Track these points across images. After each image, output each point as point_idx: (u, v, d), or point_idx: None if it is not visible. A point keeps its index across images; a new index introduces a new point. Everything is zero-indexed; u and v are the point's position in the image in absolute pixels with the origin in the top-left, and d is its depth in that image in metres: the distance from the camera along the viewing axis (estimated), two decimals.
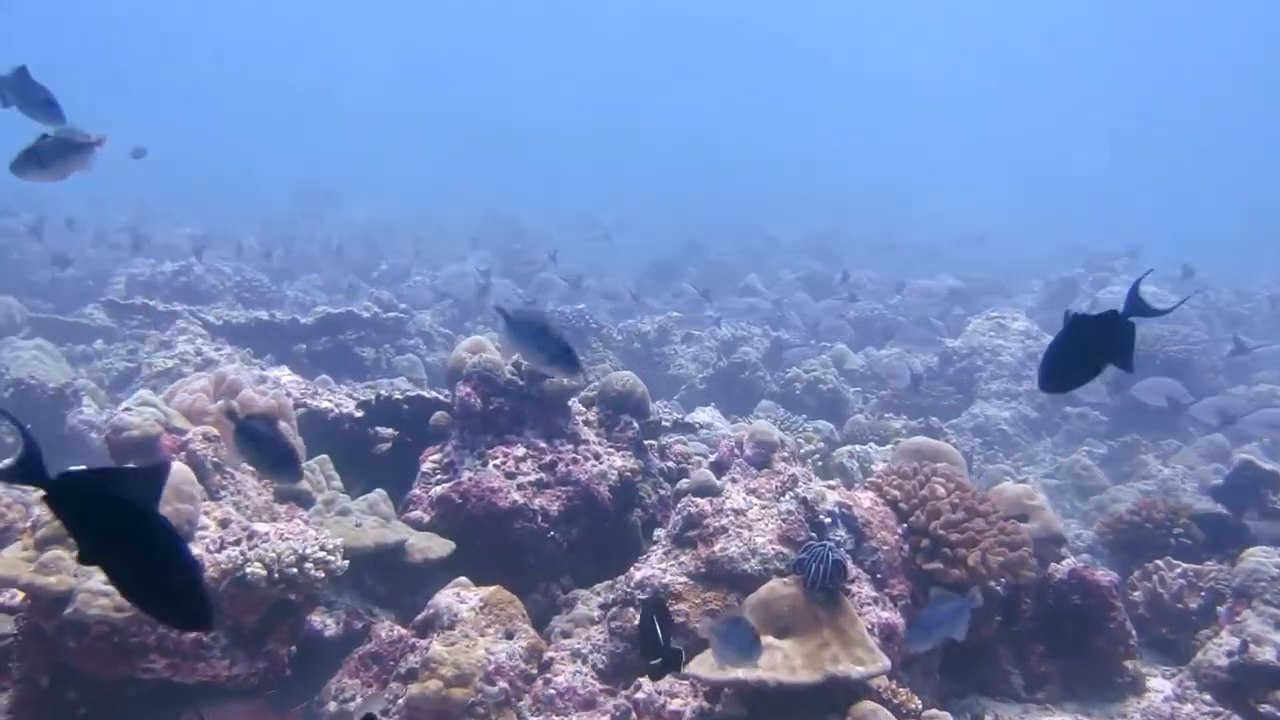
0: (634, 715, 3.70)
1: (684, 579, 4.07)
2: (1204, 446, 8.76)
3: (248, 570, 3.44)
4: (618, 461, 5.05)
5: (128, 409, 4.26)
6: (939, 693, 4.34)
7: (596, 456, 5.04)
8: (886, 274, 15.18)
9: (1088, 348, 2.51)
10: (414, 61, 55.84)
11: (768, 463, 4.62)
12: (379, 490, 4.70)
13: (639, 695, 3.72)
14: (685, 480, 4.84)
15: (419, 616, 4.11)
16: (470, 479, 4.74)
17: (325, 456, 4.79)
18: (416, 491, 4.90)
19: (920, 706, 3.67)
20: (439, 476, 4.91)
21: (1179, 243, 21.82)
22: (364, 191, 27.31)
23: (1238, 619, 4.49)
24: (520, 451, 4.91)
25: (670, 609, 3.90)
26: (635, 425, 5.29)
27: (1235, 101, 48.88)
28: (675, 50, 57.03)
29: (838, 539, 4.13)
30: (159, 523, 1.62)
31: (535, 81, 57.30)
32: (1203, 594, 5.06)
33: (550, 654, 4.02)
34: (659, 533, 4.49)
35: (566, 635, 4.24)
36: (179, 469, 3.80)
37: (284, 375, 5.97)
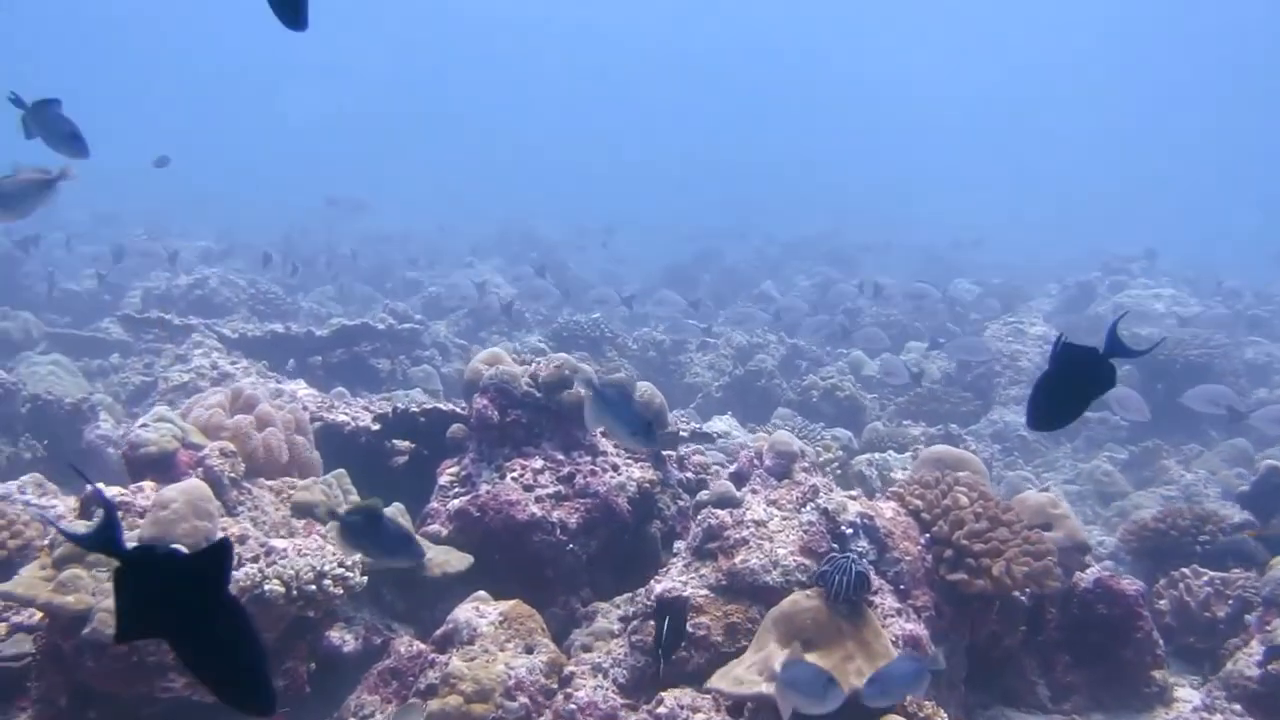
0: None
1: (705, 591, 4.03)
2: (1226, 451, 8.68)
3: (266, 588, 3.41)
4: (636, 473, 5.01)
5: (144, 425, 4.25)
6: (964, 704, 4.29)
7: (615, 468, 5.00)
8: (902, 279, 15.13)
9: (1073, 388, 2.56)
10: (426, 70, 56.10)
11: (788, 473, 4.57)
12: (396, 504, 4.67)
13: (661, 710, 3.67)
14: (705, 491, 4.80)
15: (438, 631, 4.07)
16: (488, 492, 4.71)
17: (342, 471, 4.77)
18: (434, 505, 4.87)
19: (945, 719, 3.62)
20: (456, 490, 4.88)
21: (1196, 244, 21.71)
22: (384, 202, 27.41)
23: (1268, 628, 4.43)
24: (538, 464, 4.88)
25: (691, 621, 3.87)
26: None
27: (1247, 100, 48.70)
28: (676, 52, 57.20)
29: (860, 550, 4.08)
30: (233, 604, 1.62)
31: (540, 88, 57.46)
32: (1231, 602, 5.00)
33: (570, 668, 3.98)
34: (679, 545, 4.45)
35: (587, 649, 4.20)
36: (196, 485, 3.78)
37: (300, 388, 5.96)
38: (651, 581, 4.23)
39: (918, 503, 4.46)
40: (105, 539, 1.60)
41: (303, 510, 4.45)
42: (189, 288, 11.81)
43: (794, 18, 57.18)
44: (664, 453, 5.36)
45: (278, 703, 1.73)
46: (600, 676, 3.94)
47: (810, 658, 3.48)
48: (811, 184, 37.75)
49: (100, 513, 1.58)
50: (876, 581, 3.99)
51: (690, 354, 11.37)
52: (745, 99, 55.46)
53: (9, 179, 3.65)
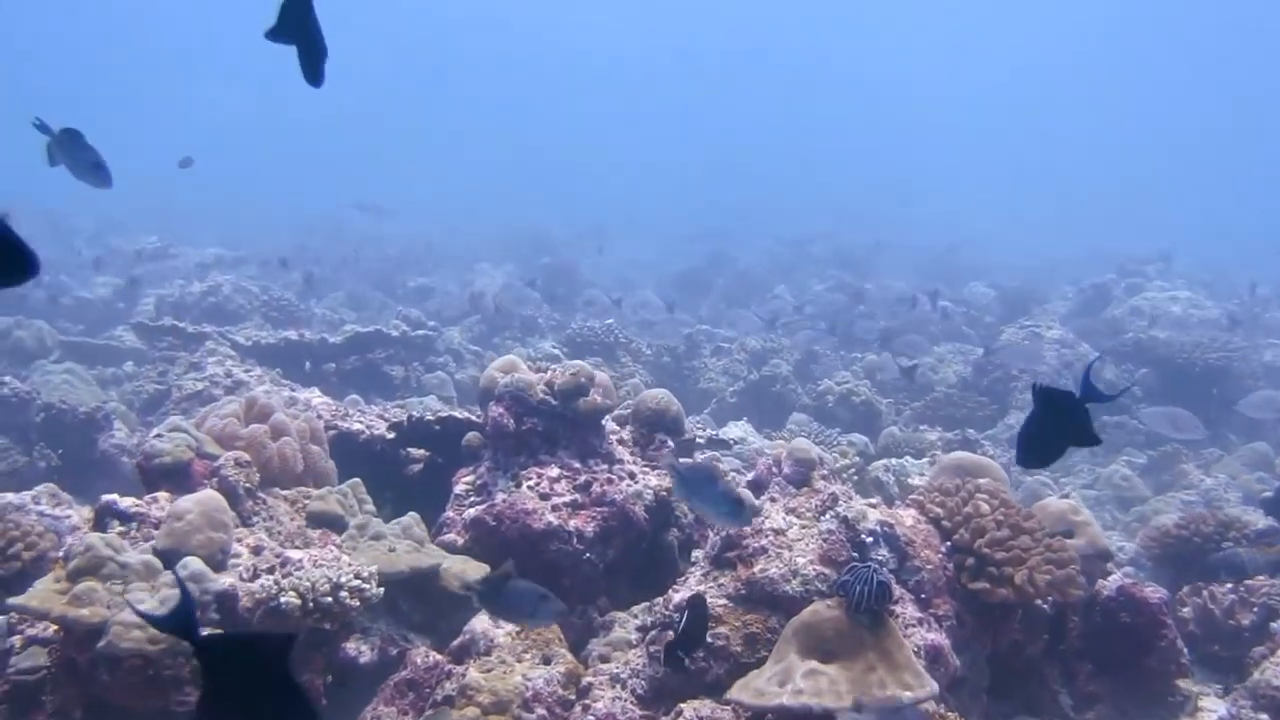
0: None
1: (724, 601, 3.99)
2: (1246, 455, 8.61)
3: (282, 600, 3.38)
4: (653, 481, 4.97)
5: (159, 435, 4.23)
6: (987, 713, 4.24)
7: (631, 476, 4.96)
8: (917, 282, 15.08)
9: (1057, 428, 2.76)
10: (430, 72, 56.19)
11: (806, 481, 4.52)
12: (412, 514, 4.64)
13: None
14: None
15: (455, 642, 4.04)
16: (504, 501, 4.68)
17: (358, 480, 4.75)
18: (450, 514, 4.84)
19: None
20: (472, 498, 4.85)
21: (1196, 244, 21.54)
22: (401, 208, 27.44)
23: None
24: (554, 472, 4.84)
25: (710, 631, 3.83)
26: (670, 443, 5.22)
27: (1248, 99, 48.51)
28: (679, 54, 57.24)
29: (881, 559, 4.04)
30: (298, 689, 1.72)
31: (544, 91, 57.49)
32: (1255, 610, 4.93)
33: (588, 679, 3.94)
34: (697, 554, 4.40)
35: (604, 659, 4.16)
36: (211, 496, 3.76)
37: (314, 397, 5.95)
38: (670, 591, 4.20)
39: (938, 510, 4.41)
40: (182, 626, 1.72)
41: (318, 520, 4.43)
42: (202, 295, 11.82)
43: (794, 18, 57.21)
44: (680, 460, 5.32)
45: None
46: (618, 687, 3.89)
47: (831, 669, 3.44)
48: (812, 184, 37.70)
49: (174, 594, 1.71)
50: (897, 591, 3.95)
51: (705, 359, 11.32)
52: (746, 99, 55.54)
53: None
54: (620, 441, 5.22)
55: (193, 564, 3.45)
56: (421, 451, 5.50)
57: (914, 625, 3.88)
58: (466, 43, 57.62)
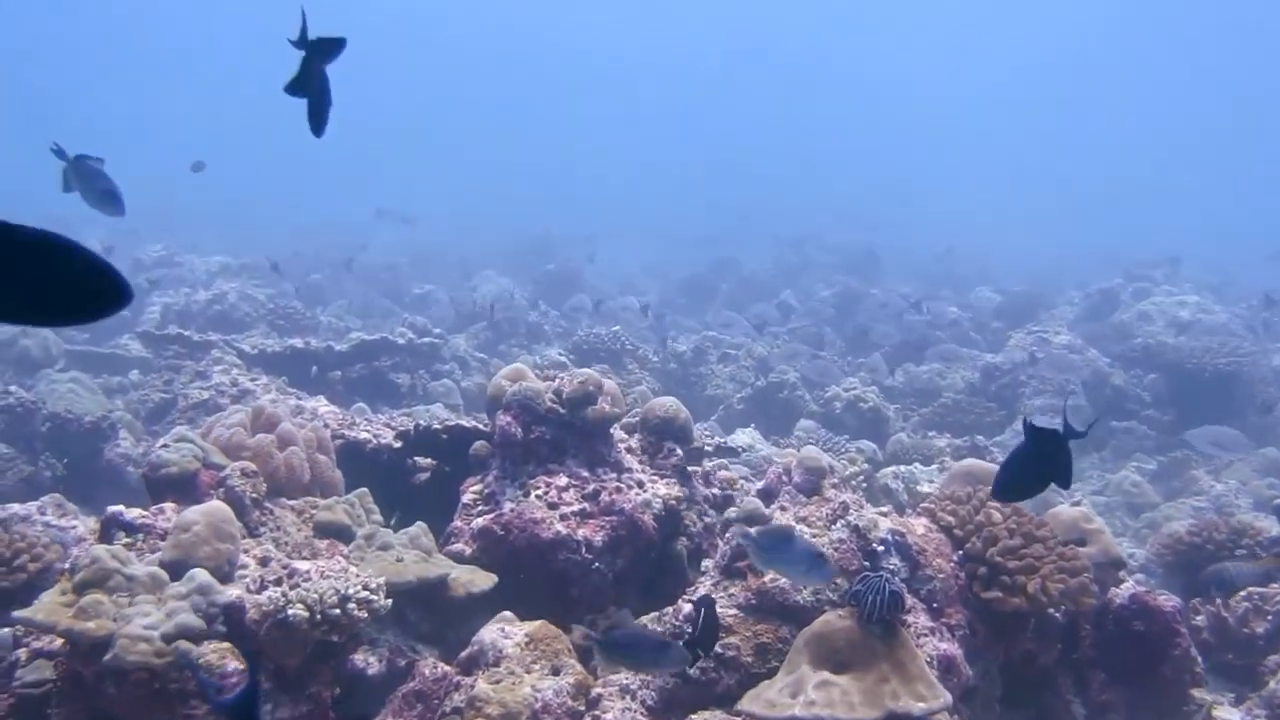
0: None
1: (734, 611, 3.96)
2: (1257, 461, 8.56)
3: (289, 612, 3.35)
4: (662, 489, 4.93)
5: (165, 445, 4.21)
6: None
7: (640, 485, 4.93)
8: (920, 288, 15.06)
9: (1039, 464, 2.90)
10: (437, 77, 56.23)
11: (817, 490, 4.50)
12: (420, 523, 4.61)
13: None
14: (733, 509, 4.72)
15: (463, 653, 4.01)
16: (512, 510, 4.65)
17: (365, 490, 4.72)
18: (457, 523, 4.81)
19: None
20: (480, 508, 4.82)
21: (1196, 243, 21.44)
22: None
23: None
24: (563, 481, 4.81)
25: (720, 641, 3.80)
26: (679, 452, 5.18)
27: (1249, 98, 48.43)
28: (679, 53, 57.28)
29: (892, 568, 4.01)
30: None
31: (544, 94, 57.48)
32: (1269, 618, 4.90)
33: (598, 690, 3.90)
34: (707, 563, 4.37)
35: (614, 670, 4.13)
36: (218, 507, 3.73)
37: (321, 405, 5.93)
38: (680, 601, 4.17)
39: (950, 519, 4.38)
40: (244, 712, 1.83)
41: (325, 530, 4.40)
42: (208, 303, 11.81)
43: (794, 17, 57.16)
44: (690, 468, 5.29)
45: None
46: (628, 698, 3.86)
47: (844, 679, 3.41)
48: (813, 184, 37.65)
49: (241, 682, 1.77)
50: (909, 600, 3.91)
51: (711, 366, 11.29)
52: (746, 99, 55.45)
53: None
54: (629, 450, 5.19)
55: (200, 576, 3.43)
56: (429, 460, 5.47)
57: (926, 635, 3.85)
58: (466, 43, 57.69)
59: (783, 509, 4.41)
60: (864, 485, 6.52)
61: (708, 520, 5.09)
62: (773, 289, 17.80)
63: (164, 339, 9.29)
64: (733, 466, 6.11)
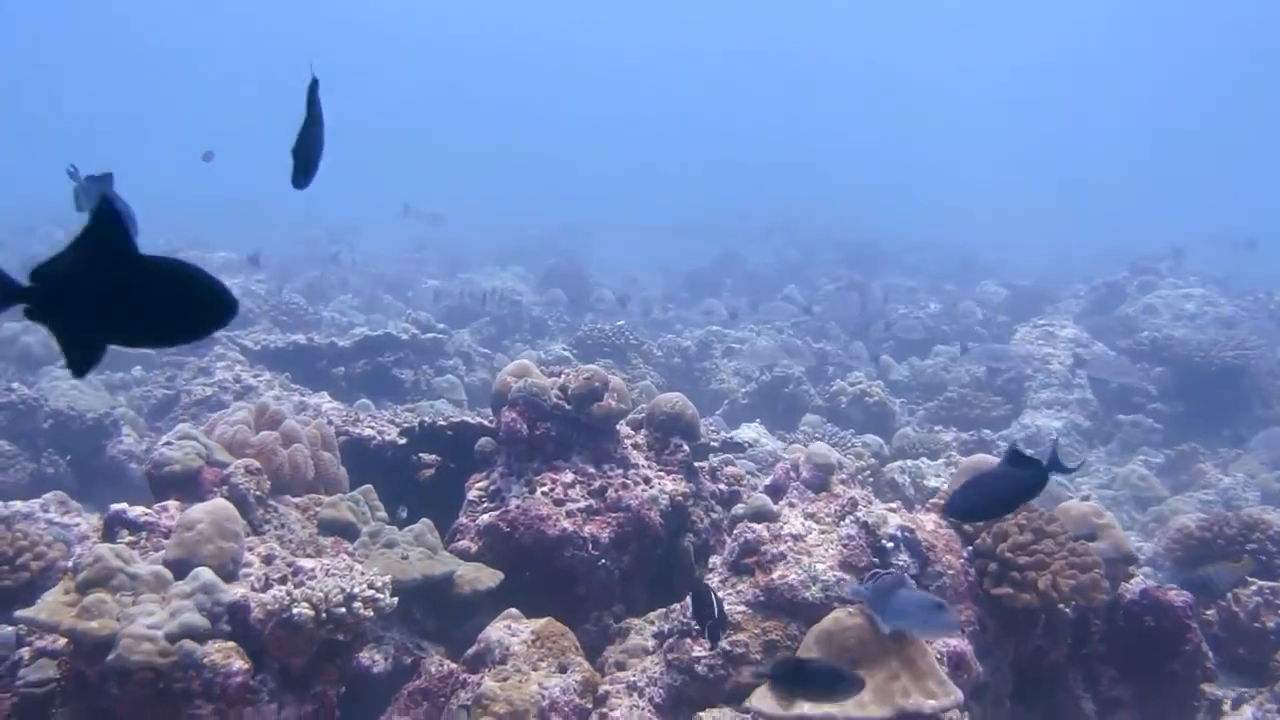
0: None
1: (742, 608, 3.92)
2: (1265, 454, 8.51)
3: (295, 611, 3.32)
4: (668, 485, 4.91)
5: (168, 443, 4.18)
6: None
7: (646, 481, 4.90)
8: (924, 283, 15.02)
9: (1012, 490, 2.97)
10: (437, 78, 56.18)
11: (825, 485, 4.46)
12: (425, 520, 4.59)
13: None
14: (741, 505, 4.68)
15: (469, 651, 3.98)
16: (518, 507, 4.62)
17: (369, 487, 4.69)
18: (463, 520, 4.78)
19: None
20: (486, 505, 4.79)
21: (1196, 241, 21.35)
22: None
23: None
24: (569, 477, 4.78)
25: (729, 639, 3.76)
26: (685, 448, 5.15)
27: (1249, 97, 48.33)
28: (681, 56, 57.24)
29: (901, 564, 3.97)
30: None
31: (546, 93, 57.41)
32: None
33: (605, 687, 3.88)
34: (714, 560, 4.33)
35: (621, 667, 4.10)
36: (221, 505, 3.70)
37: (325, 402, 5.91)
38: (687, 598, 4.14)
39: None
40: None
41: (330, 527, 4.37)
42: None
43: (796, 17, 57.03)
44: (696, 464, 5.25)
45: None
46: (636, 696, 3.84)
47: None
48: (813, 184, 37.57)
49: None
50: None
51: (716, 360, 11.25)
52: (747, 98, 55.37)
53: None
54: (635, 446, 5.16)
55: (204, 575, 3.40)
56: (433, 457, 5.44)
57: None
58: (466, 43, 57.61)
59: (791, 505, 4.37)
60: (870, 480, 6.48)
61: (715, 516, 5.07)
62: (776, 284, 17.74)
63: None
64: (739, 462, 6.07)
